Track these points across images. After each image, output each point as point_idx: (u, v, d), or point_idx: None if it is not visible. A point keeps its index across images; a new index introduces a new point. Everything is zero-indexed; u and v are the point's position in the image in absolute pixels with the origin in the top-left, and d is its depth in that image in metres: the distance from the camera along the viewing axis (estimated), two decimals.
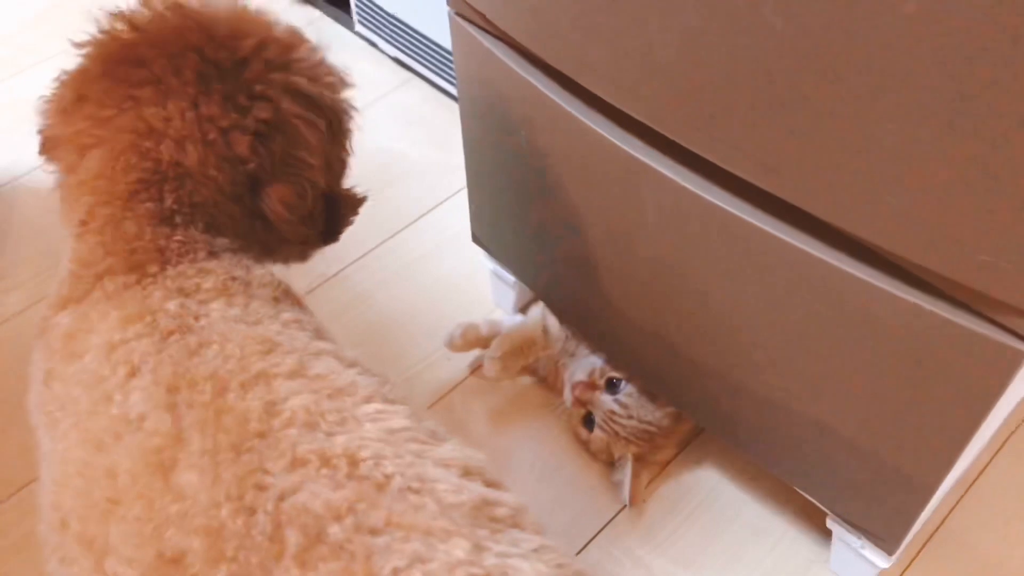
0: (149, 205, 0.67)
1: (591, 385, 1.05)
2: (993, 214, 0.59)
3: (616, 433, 1.02)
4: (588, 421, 1.05)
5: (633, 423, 1.02)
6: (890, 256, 0.67)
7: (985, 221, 0.59)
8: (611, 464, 1.06)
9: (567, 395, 1.08)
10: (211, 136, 0.68)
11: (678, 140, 0.75)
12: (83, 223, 0.68)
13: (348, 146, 0.80)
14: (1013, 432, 1.10)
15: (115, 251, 0.66)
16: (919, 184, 0.61)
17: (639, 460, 1.04)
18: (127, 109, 0.68)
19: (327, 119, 0.75)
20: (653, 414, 1.03)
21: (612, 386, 1.04)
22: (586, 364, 1.07)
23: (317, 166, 0.74)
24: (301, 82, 0.72)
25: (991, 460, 1.07)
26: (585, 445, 1.07)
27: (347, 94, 0.79)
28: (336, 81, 0.77)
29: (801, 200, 0.69)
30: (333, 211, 0.81)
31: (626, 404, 1.02)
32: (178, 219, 0.68)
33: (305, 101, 0.72)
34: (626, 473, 1.03)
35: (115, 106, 0.68)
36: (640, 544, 1.02)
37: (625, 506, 1.04)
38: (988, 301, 0.64)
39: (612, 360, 1.06)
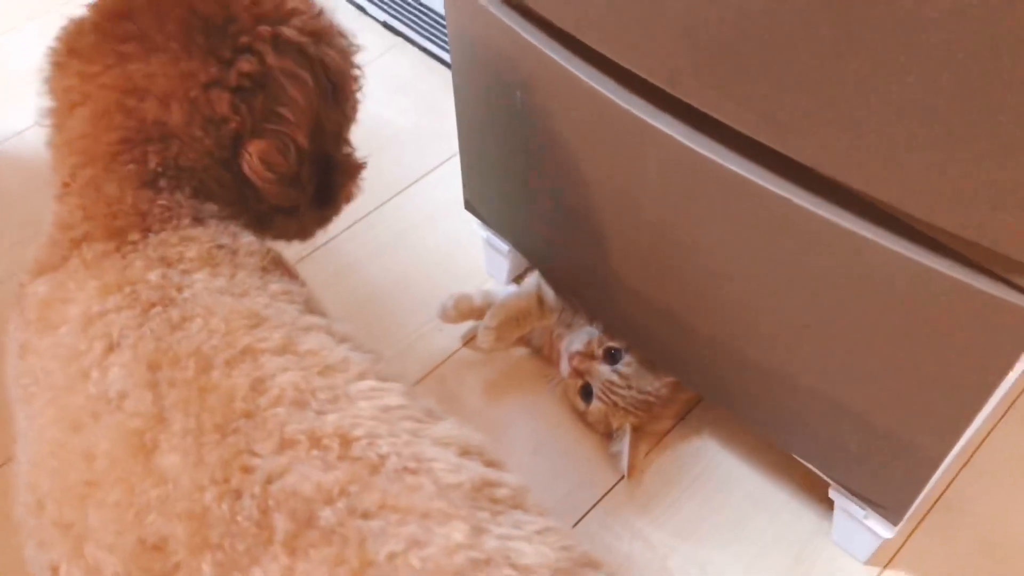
0: (132, 167, 0.64)
1: (589, 355, 1.02)
2: (1013, 170, 0.56)
3: (615, 404, 1.00)
4: (586, 392, 1.03)
5: (632, 393, 1.00)
6: (904, 216, 0.65)
7: (1005, 178, 0.57)
8: (609, 435, 1.04)
9: (564, 366, 1.05)
10: (193, 93, 0.65)
11: (682, 97, 0.72)
12: (65, 184, 0.65)
13: (348, 109, 0.76)
14: (1015, 401, 1.08)
15: (95, 215, 0.63)
16: (936, 140, 0.58)
17: (637, 431, 1.02)
18: (112, 65, 0.65)
19: (317, 75, 0.71)
20: (652, 384, 1.01)
21: (611, 356, 1.02)
22: (583, 335, 1.05)
23: (300, 124, 0.70)
24: (290, 33, 0.68)
25: (993, 429, 1.06)
26: (582, 416, 1.05)
27: (354, 57, 0.75)
28: (340, 41, 0.74)
29: (810, 158, 0.66)
30: (327, 177, 0.77)
31: (625, 375, 1.00)
32: (162, 183, 0.65)
33: (294, 54, 0.69)
34: (624, 444, 1.01)
35: (101, 62, 0.65)
36: (638, 516, 1.00)
37: (623, 477, 1.02)
38: (1005, 262, 0.62)
39: (610, 329, 1.04)
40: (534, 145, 0.92)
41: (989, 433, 1.06)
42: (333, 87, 0.73)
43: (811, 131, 0.65)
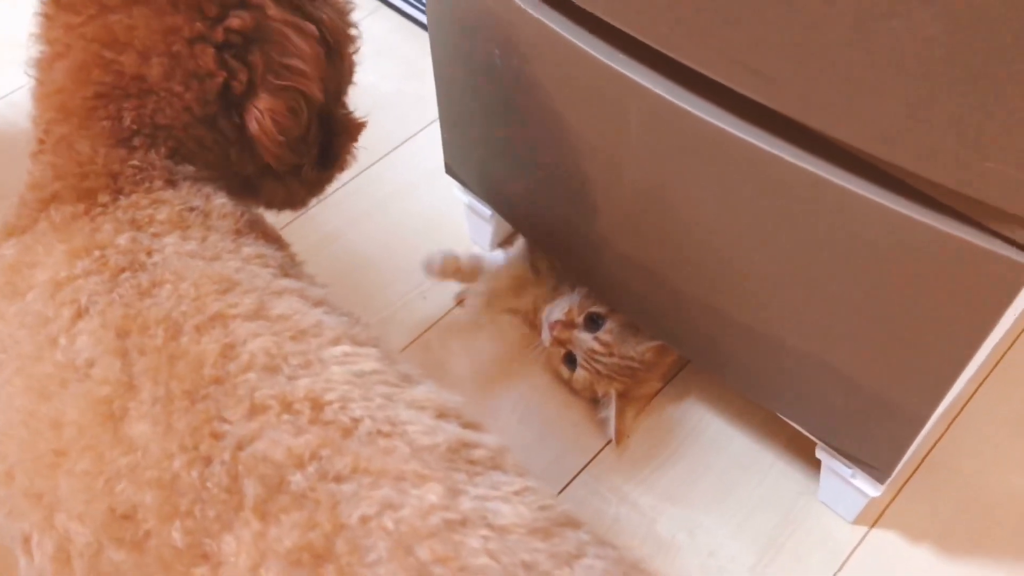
0: (106, 123, 0.62)
1: (569, 324, 1.01)
2: (1001, 116, 0.55)
3: (598, 372, 1.00)
4: (569, 360, 1.02)
5: (614, 360, 0.99)
6: (889, 168, 0.64)
7: (992, 123, 0.56)
8: (595, 401, 1.04)
9: (545, 335, 1.04)
10: (176, 48, 0.63)
11: (664, 49, 0.71)
12: (40, 141, 0.64)
13: (345, 69, 0.74)
14: (1000, 359, 1.08)
15: (65, 174, 0.61)
16: (922, 87, 0.57)
17: (623, 396, 1.01)
18: (95, 16, 0.63)
19: (320, 31, 0.69)
20: (635, 349, 1.00)
21: (593, 323, 1.01)
22: (563, 302, 1.04)
23: (313, 76, 0.67)
24: None
25: (979, 388, 1.06)
26: (567, 384, 1.05)
27: (349, 16, 0.73)
28: (336, 1, 0.72)
29: (793, 109, 0.65)
30: (328, 137, 0.75)
31: (607, 342, 0.99)
32: (136, 141, 0.63)
33: (294, 8, 0.67)
34: (611, 410, 1.01)
35: (85, 12, 0.63)
36: (625, 480, 1.00)
37: (610, 441, 1.02)
38: (992, 212, 0.61)
39: (595, 292, 1.03)
40: (513, 104, 0.90)
41: (975, 393, 1.05)
42: (330, 46, 0.71)
43: (793, 81, 0.64)
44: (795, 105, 0.65)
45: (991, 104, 0.55)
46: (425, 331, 1.12)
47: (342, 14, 0.72)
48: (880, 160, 0.63)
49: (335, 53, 0.71)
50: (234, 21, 0.64)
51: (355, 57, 0.75)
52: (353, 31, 0.73)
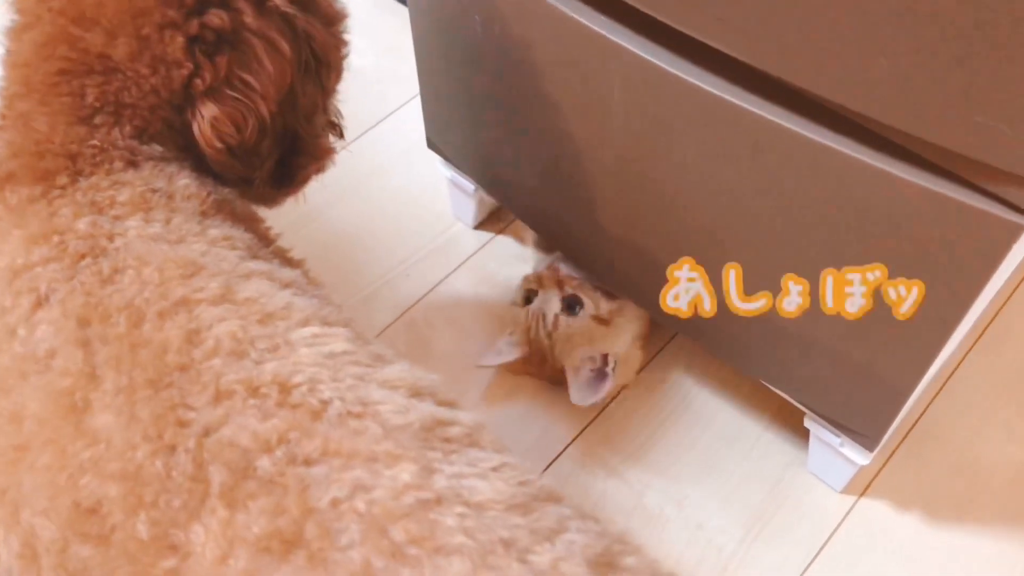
0: (67, 100, 0.60)
1: (553, 275, 1.01)
2: (992, 69, 0.54)
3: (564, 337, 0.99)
4: (527, 300, 1.02)
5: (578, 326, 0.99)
6: (876, 127, 0.62)
7: (982, 77, 0.55)
8: (562, 382, 1.02)
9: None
10: (146, 31, 0.61)
11: (647, 10, 0.69)
12: (3, 116, 0.62)
13: (329, 85, 0.72)
14: (988, 326, 1.07)
15: (21, 152, 0.59)
16: (910, 41, 0.56)
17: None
18: None
19: (299, 47, 0.67)
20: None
21: (570, 308, 0.99)
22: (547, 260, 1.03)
23: (268, 96, 0.66)
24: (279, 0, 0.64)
25: (966, 355, 1.05)
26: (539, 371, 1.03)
27: (341, 26, 0.71)
28: (328, 11, 0.70)
29: (778, 68, 0.64)
30: (290, 155, 0.73)
31: (572, 325, 0.99)
32: (99, 119, 0.61)
33: (277, 21, 0.65)
34: (576, 380, 0.99)
35: None
36: (613, 454, 0.99)
37: (598, 415, 1.01)
38: (982, 169, 0.60)
39: (579, 263, 1.01)
40: (495, 73, 0.89)
41: (963, 360, 1.05)
42: (317, 60, 0.69)
43: (777, 38, 0.62)
44: (780, 63, 0.64)
45: (981, 57, 0.54)
46: (409, 308, 1.11)
47: (333, 25, 0.70)
48: (867, 118, 0.62)
49: (321, 67, 0.70)
50: (212, 19, 0.62)
51: (344, 66, 0.73)
52: (344, 47, 0.71)
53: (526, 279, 1.05)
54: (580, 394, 0.99)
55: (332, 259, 1.15)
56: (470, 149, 1.04)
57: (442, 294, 1.12)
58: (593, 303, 0.98)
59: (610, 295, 1.00)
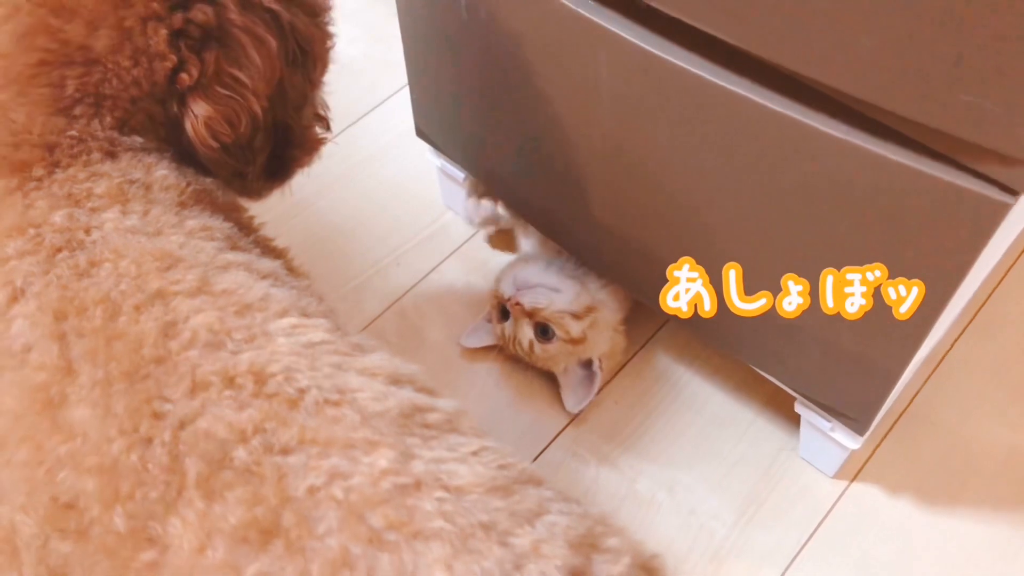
0: (45, 90, 0.60)
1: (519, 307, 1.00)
2: (978, 47, 0.53)
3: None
4: (503, 315, 1.02)
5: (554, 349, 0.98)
6: (863, 107, 0.62)
7: (968, 54, 0.54)
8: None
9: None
10: (128, 23, 0.60)
11: None
12: None
13: (315, 77, 0.72)
14: (979, 310, 1.07)
15: None
16: (896, 20, 0.56)
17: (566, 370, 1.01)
18: None
19: (285, 41, 0.66)
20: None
21: (543, 333, 0.98)
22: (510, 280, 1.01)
23: (259, 92, 0.65)
24: None
25: (958, 338, 1.05)
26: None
27: (325, 17, 0.71)
28: (312, 1, 0.69)
29: (764, 49, 0.64)
30: (282, 148, 0.73)
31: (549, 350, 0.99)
32: (78, 110, 0.60)
33: (261, 15, 0.64)
34: (568, 381, 1.01)
35: None
36: (604, 441, 0.99)
37: (588, 402, 1.01)
38: (968, 148, 0.59)
39: (570, 249, 1.01)
40: (482, 59, 0.88)
41: (954, 343, 1.04)
42: (303, 53, 0.68)
43: (763, 19, 0.62)
44: (765, 44, 0.63)
45: (967, 35, 0.54)
46: (400, 298, 1.11)
47: (317, 16, 0.69)
48: (854, 99, 0.62)
49: (307, 60, 0.69)
50: (197, 14, 0.62)
51: (329, 58, 0.72)
52: (329, 39, 0.71)
53: (493, 295, 1.03)
54: (574, 399, 1.00)
55: (322, 249, 1.15)
56: (458, 137, 1.03)
57: (433, 283, 1.12)
58: (564, 330, 0.96)
59: (578, 315, 0.97)
